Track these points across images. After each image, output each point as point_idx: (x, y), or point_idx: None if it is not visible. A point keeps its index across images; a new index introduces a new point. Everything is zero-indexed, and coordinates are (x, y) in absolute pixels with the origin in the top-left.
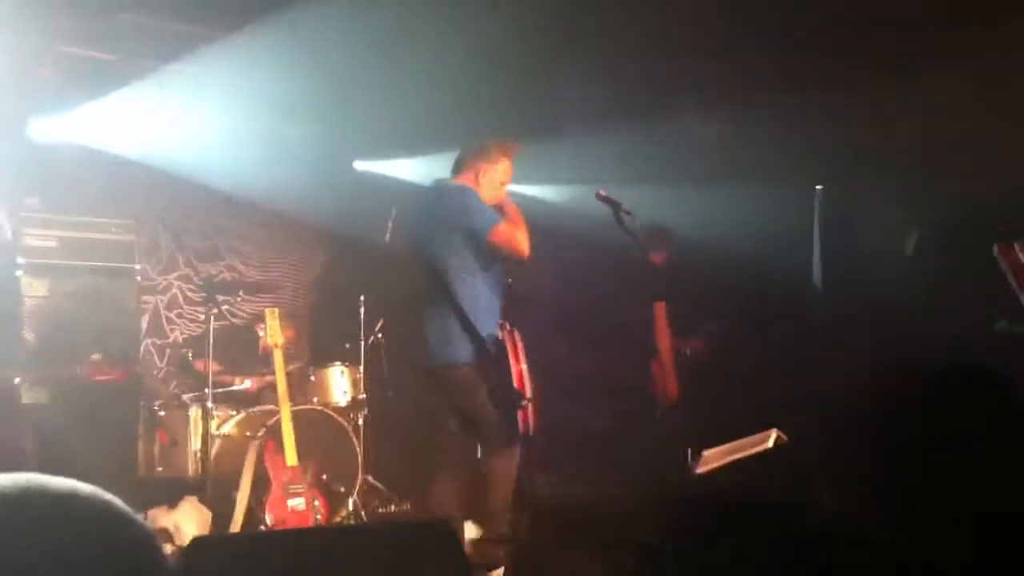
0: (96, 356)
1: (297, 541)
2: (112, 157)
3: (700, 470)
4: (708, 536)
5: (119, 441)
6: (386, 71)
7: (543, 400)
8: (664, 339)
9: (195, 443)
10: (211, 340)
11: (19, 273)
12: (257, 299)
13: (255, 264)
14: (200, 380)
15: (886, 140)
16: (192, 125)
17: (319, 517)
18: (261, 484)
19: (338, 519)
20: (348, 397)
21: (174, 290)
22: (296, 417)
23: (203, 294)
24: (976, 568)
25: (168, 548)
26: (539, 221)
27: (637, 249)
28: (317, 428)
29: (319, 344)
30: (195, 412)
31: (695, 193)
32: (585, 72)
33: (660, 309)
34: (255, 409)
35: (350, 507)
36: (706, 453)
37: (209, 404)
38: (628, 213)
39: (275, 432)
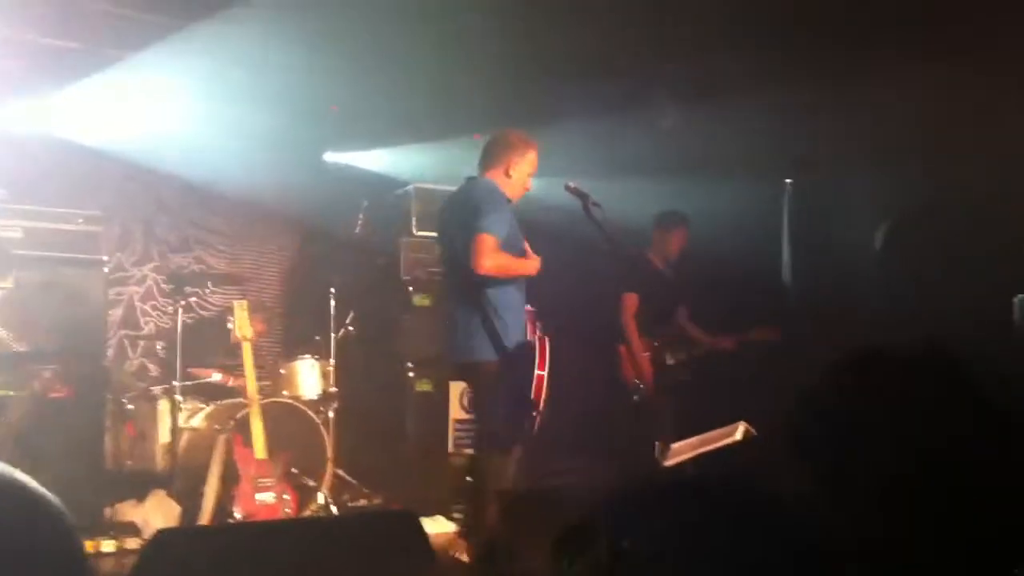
0: (47, 373)
1: (260, 533)
2: (79, 147)
3: (669, 462)
4: (675, 527)
5: (84, 438)
6: (357, 62)
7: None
8: (633, 331)
9: (163, 436)
10: (179, 332)
11: None
12: (225, 291)
13: (225, 256)
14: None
15: (857, 132)
16: (160, 115)
17: (288, 511)
18: (230, 478)
19: (308, 513)
20: (318, 390)
21: (149, 282)
22: (266, 410)
23: (171, 286)
24: (943, 552)
25: (135, 542)
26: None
27: (605, 241)
28: (286, 421)
29: (289, 336)
30: (164, 405)
31: (668, 187)
32: (555, 65)
33: (631, 300)
34: (224, 402)
35: (320, 501)
36: (675, 446)
37: (178, 397)
38: (596, 204)
39: (244, 425)
